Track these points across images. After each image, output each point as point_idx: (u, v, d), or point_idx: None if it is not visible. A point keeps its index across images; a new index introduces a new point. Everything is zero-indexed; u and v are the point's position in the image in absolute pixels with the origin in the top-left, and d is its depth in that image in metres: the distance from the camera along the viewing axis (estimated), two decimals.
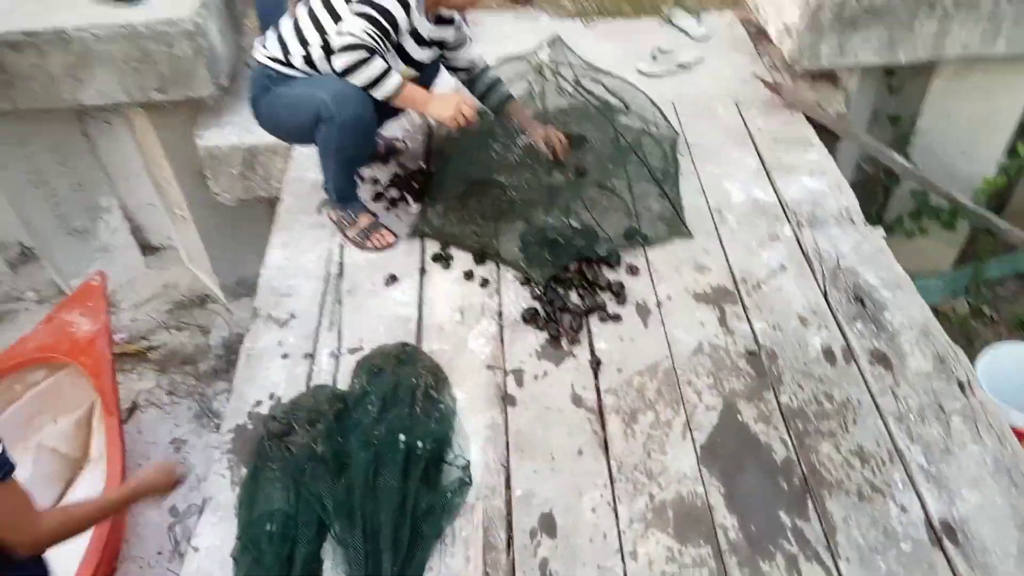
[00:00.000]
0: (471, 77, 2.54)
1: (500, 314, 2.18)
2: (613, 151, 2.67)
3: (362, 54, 2.08)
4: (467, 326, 2.14)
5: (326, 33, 2.18)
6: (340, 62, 2.10)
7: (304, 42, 2.21)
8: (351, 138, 2.22)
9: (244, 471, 1.80)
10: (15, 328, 3.56)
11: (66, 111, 3.07)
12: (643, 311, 2.16)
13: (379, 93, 2.15)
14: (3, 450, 1.27)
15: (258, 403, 1.96)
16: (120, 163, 3.42)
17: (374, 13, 2.10)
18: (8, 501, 1.29)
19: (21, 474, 1.31)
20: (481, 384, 1.98)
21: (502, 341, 2.10)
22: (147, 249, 3.78)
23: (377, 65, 2.11)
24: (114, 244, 3.62)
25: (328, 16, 2.18)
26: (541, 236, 2.34)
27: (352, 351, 2.08)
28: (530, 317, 2.13)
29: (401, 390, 1.93)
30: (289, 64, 2.23)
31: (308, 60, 2.22)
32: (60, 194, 3.38)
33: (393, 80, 2.14)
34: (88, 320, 2.91)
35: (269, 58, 2.25)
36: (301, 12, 2.23)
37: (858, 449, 1.81)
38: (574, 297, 2.20)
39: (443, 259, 2.35)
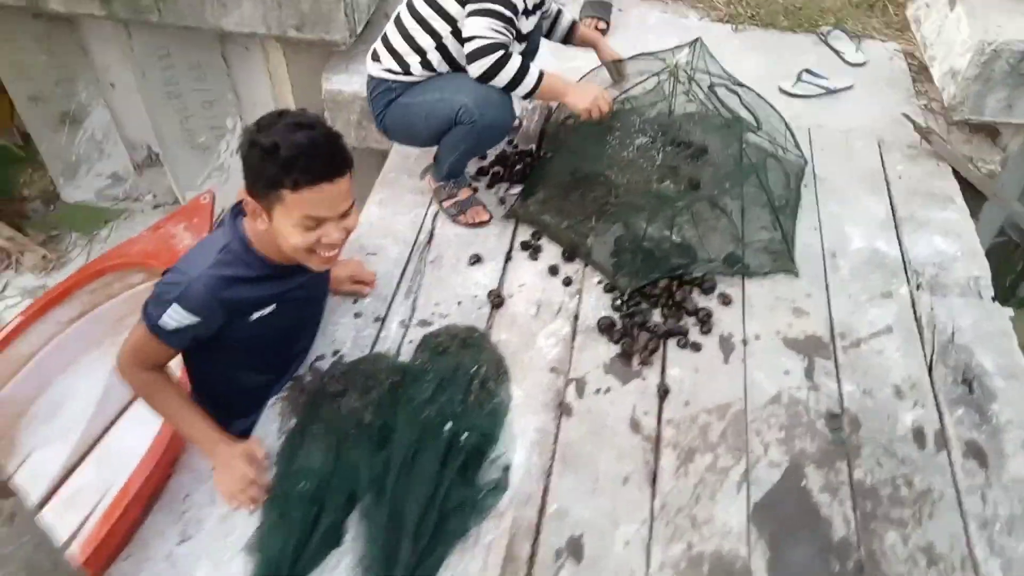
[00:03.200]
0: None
1: (576, 317, 2.10)
2: (733, 169, 2.52)
3: (497, 55, 2.04)
4: (541, 322, 2.08)
5: (440, 36, 2.14)
6: (477, 69, 2.06)
7: (419, 50, 2.17)
8: (488, 140, 2.25)
9: (293, 422, 1.82)
10: (130, 227, 3.77)
11: (209, 32, 3.17)
12: (726, 345, 2.04)
13: (520, 91, 2.11)
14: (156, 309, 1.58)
15: (320, 357, 1.97)
16: (250, 89, 3.51)
17: (497, 7, 2.03)
18: (140, 340, 1.63)
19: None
20: (540, 385, 1.92)
21: (572, 345, 2.03)
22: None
23: (514, 64, 2.06)
24: (231, 165, 3.75)
25: (439, 18, 2.12)
26: (637, 244, 2.24)
27: (422, 324, 2.06)
28: (606, 327, 2.05)
29: (460, 375, 1.90)
30: (408, 72, 2.20)
31: (426, 65, 2.18)
32: (191, 108, 3.52)
33: (532, 75, 2.09)
34: (190, 235, 3.01)
35: (386, 70, 2.23)
36: (406, 17, 2.19)
37: (928, 546, 1.66)
38: (656, 316, 2.10)
39: (532, 248, 2.29)
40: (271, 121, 1.51)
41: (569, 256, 2.27)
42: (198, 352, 1.74)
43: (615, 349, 2.02)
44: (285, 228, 1.55)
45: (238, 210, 1.66)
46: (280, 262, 1.67)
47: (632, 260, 2.21)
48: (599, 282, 2.20)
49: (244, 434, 1.80)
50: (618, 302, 2.12)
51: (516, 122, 2.71)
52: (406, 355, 1.98)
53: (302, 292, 1.78)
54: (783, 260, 2.28)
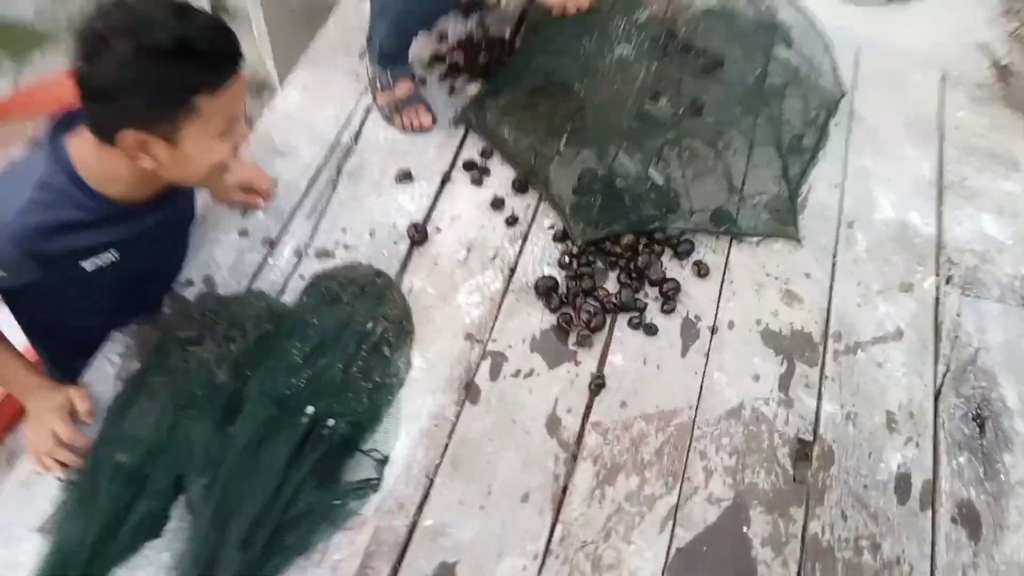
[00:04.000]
0: None
1: (512, 270, 1.69)
2: (752, 93, 2.01)
3: None
4: (467, 270, 1.68)
5: None
6: None
7: None
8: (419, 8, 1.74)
9: (134, 366, 1.47)
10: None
11: None
12: (689, 332, 1.64)
13: None
14: None
15: (188, 283, 1.60)
16: None
17: None
18: None
19: None
20: (449, 356, 1.55)
21: (499, 307, 1.63)
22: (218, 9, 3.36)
23: None
24: None
25: None
26: (606, 182, 1.78)
27: (321, 255, 1.67)
28: (545, 290, 1.64)
29: (348, 333, 1.52)
30: None
31: None
32: None
33: None
34: None
35: None
36: None
37: None
38: (611, 283, 1.69)
39: (477, 169, 1.84)
40: (130, 14, 1.07)
41: (521, 186, 1.82)
42: (15, 297, 1.37)
43: (550, 319, 1.62)
44: (203, 148, 1.18)
45: (60, 127, 1.23)
46: (125, 199, 1.27)
47: (594, 203, 1.76)
48: (550, 227, 1.77)
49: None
50: (566, 258, 1.69)
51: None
52: (291, 295, 1.60)
53: (158, 233, 1.38)
54: (782, 221, 1.82)
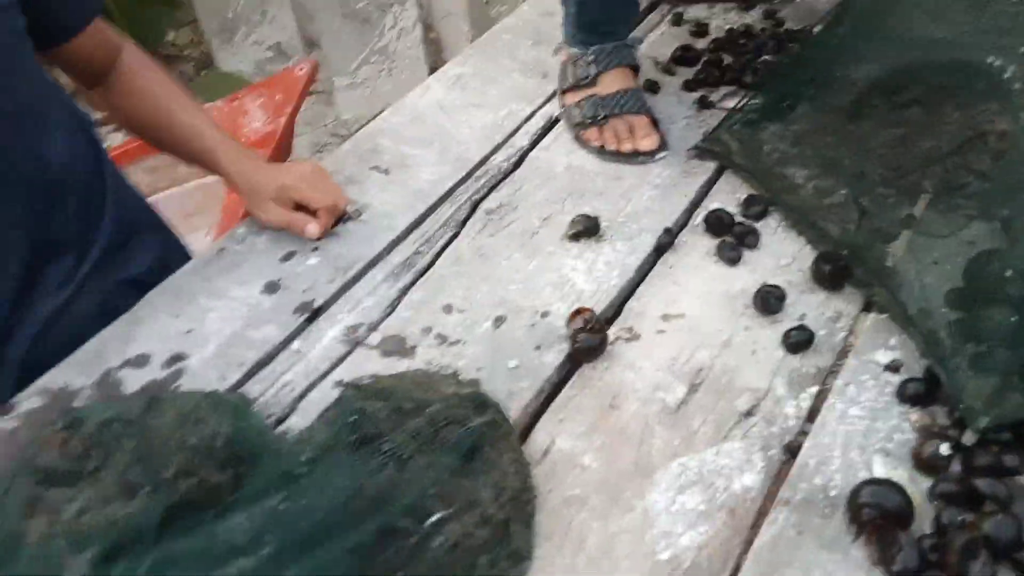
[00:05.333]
0: None
1: (793, 455, 0.72)
2: None
3: None
4: (684, 434, 0.74)
5: None
6: None
7: None
8: None
9: None
10: None
11: None
12: None
13: None
14: None
15: (140, 360, 0.82)
16: None
17: None
18: None
19: None
20: None
21: (750, 541, 0.67)
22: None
23: None
24: (396, 50, 2.73)
25: None
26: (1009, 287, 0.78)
27: (390, 348, 0.83)
28: (873, 519, 0.65)
29: (375, 518, 0.64)
30: None
31: None
32: None
33: None
34: (264, 116, 2.08)
35: None
36: None
37: None
38: None
39: (735, 235, 0.91)
40: None
41: (827, 276, 0.86)
42: None
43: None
44: None
45: None
46: None
47: (1003, 329, 0.75)
48: (889, 366, 0.78)
49: None
50: (941, 452, 0.68)
51: None
52: (304, 418, 0.77)
53: None
54: None
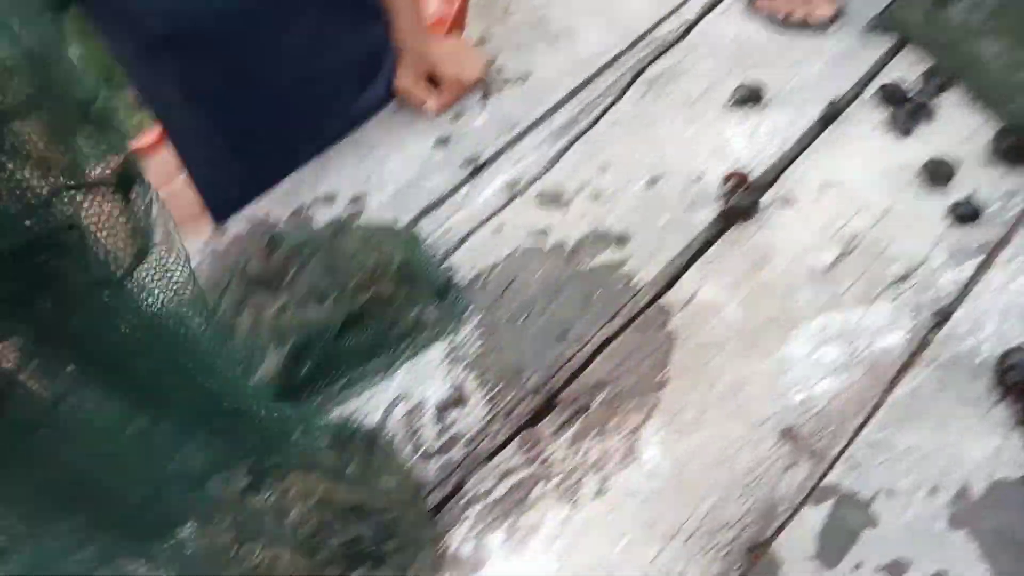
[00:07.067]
0: None
1: (945, 319, 0.71)
2: None
3: None
4: (828, 297, 0.75)
5: None
6: None
7: None
8: None
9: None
10: None
11: None
12: None
13: None
14: None
15: (328, 199, 0.93)
16: None
17: None
18: None
19: None
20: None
21: (884, 396, 0.68)
22: None
23: None
24: None
25: None
26: None
27: (546, 199, 0.88)
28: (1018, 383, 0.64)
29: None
30: None
31: None
32: None
33: None
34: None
35: None
36: None
37: None
38: None
39: (911, 105, 0.88)
40: None
41: (1009, 151, 0.82)
42: None
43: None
44: None
45: None
46: None
47: None
48: None
49: None
50: None
51: None
52: (470, 254, 0.84)
53: None
54: None
